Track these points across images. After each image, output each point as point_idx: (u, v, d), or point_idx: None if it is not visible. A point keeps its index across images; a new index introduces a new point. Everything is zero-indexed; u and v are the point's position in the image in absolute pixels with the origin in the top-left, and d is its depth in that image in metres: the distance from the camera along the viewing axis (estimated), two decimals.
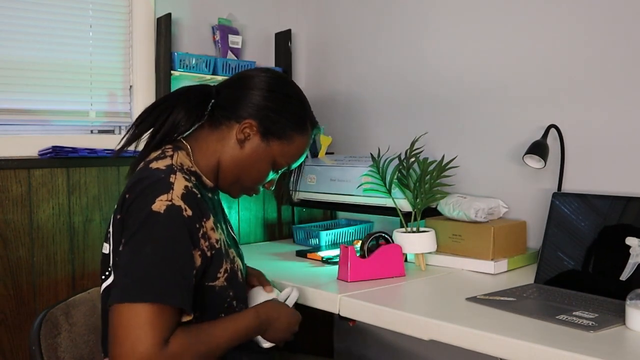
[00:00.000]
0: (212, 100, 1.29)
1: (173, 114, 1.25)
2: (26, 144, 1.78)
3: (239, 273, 1.26)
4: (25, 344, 1.71)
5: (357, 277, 1.51)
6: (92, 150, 1.82)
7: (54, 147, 1.76)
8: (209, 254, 1.16)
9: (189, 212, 1.11)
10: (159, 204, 1.09)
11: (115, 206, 1.20)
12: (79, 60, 1.93)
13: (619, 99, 1.64)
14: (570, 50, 1.73)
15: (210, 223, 1.18)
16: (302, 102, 1.33)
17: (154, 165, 1.19)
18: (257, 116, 1.25)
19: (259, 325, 1.24)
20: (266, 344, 1.30)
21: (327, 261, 1.75)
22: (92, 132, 2.00)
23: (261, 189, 1.35)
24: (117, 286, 1.08)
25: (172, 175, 1.14)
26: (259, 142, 1.27)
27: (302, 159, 1.36)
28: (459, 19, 1.99)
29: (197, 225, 1.14)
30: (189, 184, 1.15)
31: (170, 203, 1.09)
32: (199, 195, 1.17)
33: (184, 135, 1.29)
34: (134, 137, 1.25)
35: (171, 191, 1.11)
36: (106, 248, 1.23)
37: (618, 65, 1.64)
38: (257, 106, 1.26)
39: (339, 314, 1.39)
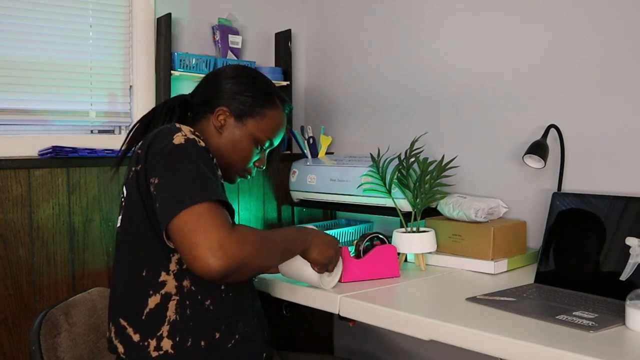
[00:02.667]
0: (190, 104, 1.44)
1: (154, 121, 1.39)
2: (26, 144, 1.78)
3: None
4: (25, 344, 1.71)
5: (351, 277, 1.51)
6: (92, 150, 1.82)
7: (54, 147, 1.76)
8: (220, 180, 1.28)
9: (202, 144, 1.23)
10: (178, 139, 1.19)
11: (128, 171, 1.28)
12: (79, 60, 1.93)
13: (619, 99, 1.64)
14: (571, 51, 1.73)
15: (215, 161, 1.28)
16: (266, 81, 1.47)
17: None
18: (227, 102, 1.40)
19: (303, 238, 1.31)
20: (327, 281, 1.39)
21: None
22: (92, 132, 2.00)
23: (255, 170, 1.47)
24: (167, 205, 1.12)
25: (176, 125, 1.25)
26: (235, 124, 1.40)
27: (281, 133, 1.47)
28: (459, 20, 1.99)
29: (211, 155, 1.25)
30: (193, 130, 1.25)
31: (186, 137, 1.20)
32: (202, 138, 1.26)
33: None
34: (124, 152, 1.39)
35: (181, 131, 1.22)
36: (119, 221, 1.30)
37: (618, 65, 1.64)
38: (225, 93, 1.40)
39: (339, 314, 1.39)
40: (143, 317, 1.22)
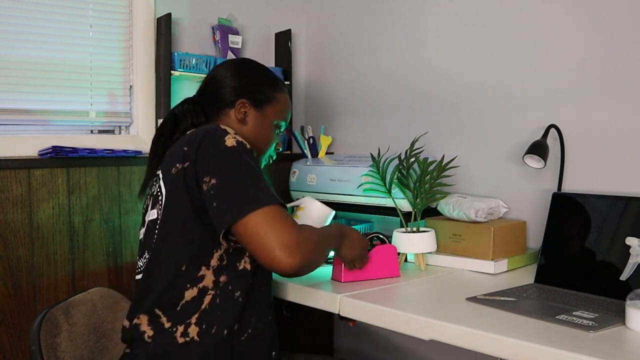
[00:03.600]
0: (199, 106, 1.48)
1: (181, 124, 1.45)
2: (26, 144, 1.78)
3: None
4: (25, 344, 1.71)
5: (351, 277, 1.51)
6: (92, 150, 1.82)
7: (54, 147, 1.76)
8: None
9: (248, 147, 1.29)
10: (230, 141, 1.25)
11: (162, 167, 1.33)
12: (79, 60, 1.93)
13: (619, 99, 1.64)
14: (571, 51, 1.73)
15: None
16: (265, 68, 1.55)
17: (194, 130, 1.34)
18: (243, 94, 1.46)
19: (340, 235, 1.40)
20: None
21: (326, 261, 1.75)
22: (92, 132, 2.00)
23: (275, 152, 1.57)
24: (233, 205, 1.18)
25: (219, 125, 1.31)
26: (256, 113, 1.47)
27: (290, 113, 1.58)
28: (459, 20, 1.99)
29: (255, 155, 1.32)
30: (233, 130, 1.32)
31: (236, 139, 1.27)
32: None
33: None
34: (155, 166, 1.42)
35: (229, 133, 1.28)
36: (154, 214, 1.33)
37: (618, 66, 1.64)
38: (238, 87, 1.46)
39: (339, 314, 1.39)
40: (178, 308, 1.25)
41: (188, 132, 1.35)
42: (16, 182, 1.71)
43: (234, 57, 2.19)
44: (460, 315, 1.24)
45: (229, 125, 1.42)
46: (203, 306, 1.26)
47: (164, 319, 1.26)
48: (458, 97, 2.00)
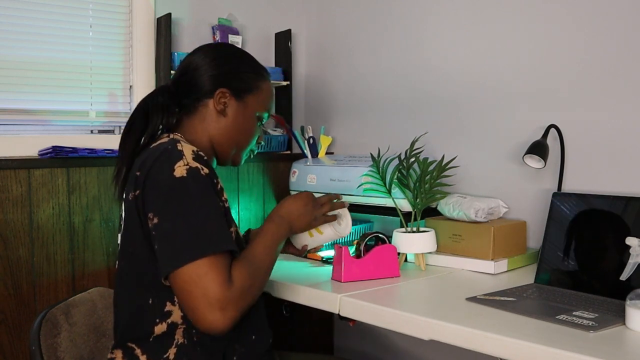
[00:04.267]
0: (175, 96, 1.36)
1: (151, 122, 1.32)
2: (26, 144, 1.78)
3: (241, 238, 1.34)
4: (25, 344, 1.71)
5: (351, 277, 1.51)
6: (92, 150, 1.82)
7: (54, 147, 1.76)
8: (223, 209, 1.23)
9: (206, 170, 1.18)
10: (179, 170, 1.15)
11: (124, 190, 1.25)
12: (79, 60, 1.93)
13: (619, 99, 1.64)
14: (571, 50, 1.73)
15: (220, 182, 1.24)
16: (246, 53, 1.43)
17: (154, 144, 1.25)
18: (223, 83, 1.34)
19: (279, 224, 1.32)
20: (341, 229, 1.46)
21: (327, 261, 1.75)
22: (92, 132, 2.00)
23: (256, 146, 1.46)
24: (168, 254, 1.11)
25: (177, 144, 1.20)
26: (237, 103, 1.36)
27: (274, 102, 1.48)
28: (459, 20, 1.99)
29: (215, 181, 1.21)
30: (195, 148, 1.22)
31: (188, 166, 1.15)
32: (205, 157, 1.22)
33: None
34: (124, 160, 1.31)
35: (183, 157, 1.17)
36: (119, 238, 1.28)
37: (618, 65, 1.64)
38: (217, 76, 1.34)
39: (339, 314, 1.39)
40: (150, 340, 1.21)
41: (151, 147, 1.25)
42: (16, 182, 1.71)
43: None
44: (460, 315, 1.24)
45: (206, 117, 1.34)
46: (180, 341, 1.20)
47: (138, 351, 1.21)
48: (458, 97, 2.00)
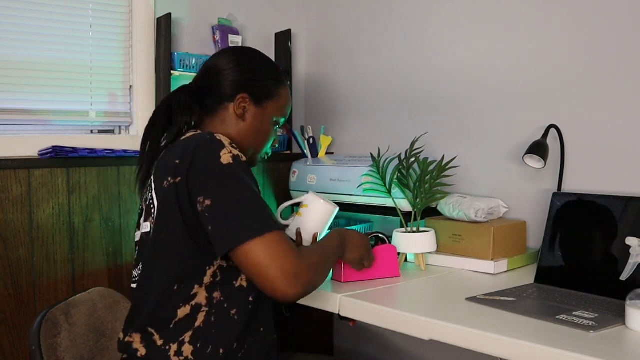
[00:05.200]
0: (195, 96, 1.41)
1: (175, 120, 1.37)
2: (26, 144, 1.78)
3: None
4: (25, 344, 1.71)
5: (351, 277, 1.51)
6: (92, 150, 1.82)
7: (54, 147, 1.76)
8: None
9: (244, 158, 1.25)
10: (225, 157, 1.19)
11: (154, 175, 1.27)
12: (79, 60, 1.93)
13: (619, 99, 1.64)
14: (571, 50, 1.73)
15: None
16: (270, 60, 1.48)
17: (187, 136, 1.28)
18: (244, 89, 1.39)
19: (341, 242, 1.40)
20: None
21: None
22: (92, 132, 2.00)
23: (271, 149, 1.52)
24: (231, 230, 1.14)
25: (214, 135, 1.25)
26: (256, 109, 1.41)
27: (291, 107, 1.51)
28: (459, 20, 1.99)
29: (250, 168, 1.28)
30: (229, 140, 1.27)
31: (232, 154, 1.21)
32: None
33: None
34: (148, 158, 1.36)
35: (225, 145, 1.22)
36: (147, 227, 1.29)
37: (618, 65, 1.64)
38: (239, 81, 1.39)
39: (339, 314, 1.39)
40: (171, 326, 1.22)
41: (183, 138, 1.29)
42: (16, 182, 1.71)
43: None
44: (460, 315, 1.24)
45: (225, 119, 1.39)
46: (197, 324, 1.22)
47: (156, 337, 1.22)
48: (458, 97, 2.00)
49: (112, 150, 1.87)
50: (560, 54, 1.75)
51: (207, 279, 1.23)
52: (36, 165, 1.74)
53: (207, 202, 1.16)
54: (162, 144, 1.37)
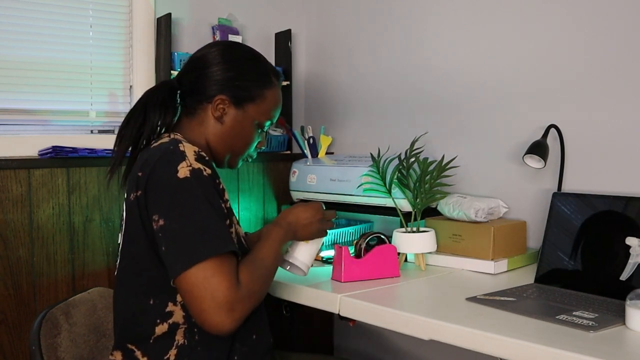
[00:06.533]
0: (178, 92, 1.35)
1: (149, 120, 1.30)
2: (26, 144, 1.78)
3: (242, 240, 1.32)
4: (25, 344, 1.71)
5: (351, 277, 1.51)
6: (92, 150, 1.82)
7: (54, 147, 1.76)
8: (225, 210, 1.23)
9: (208, 171, 1.19)
10: (183, 171, 1.15)
11: (126, 191, 1.25)
12: (79, 60, 1.93)
13: (619, 99, 1.64)
14: (570, 50, 1.73)
15: (222, 182, 1.25)
16: (258, 59, 1.39)
17: (155, 145, 1.25)
18: (224, 90, 1.32)
19: (286, 230, 1.32)
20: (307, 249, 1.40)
21: (327, 261, 1.75)
22: (92, 132, 2.00)
23: (256, 151, 1.44)
24: (175, 256, 1.11)
25: (179, 145, 1.20)
26: (236, 112, 1.34)
27: (280, 109, 1.42)
28: (459, 20, 1.99)
29: (217, 181, 1.22)
30: (196, 149, 1.22)
31: (191, 168, 1.16)
32: (207, 158, 1.23)
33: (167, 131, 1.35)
34: (119, 154, 1.32)
35: (186, 158, 1.17)
36: (119, 238, 1.27)
37: (618, 65, 1.64)
38: (221, 81, 1.32)
39: (339, 314, 1.39)
40: (151, 341, 1.20)
41: (152, 147, 1.25)
42: (16, 182, 1.71)
43: None
44: (460, 315, 1.24)
45: (203, 121, 1.32)
46: (181, 342, 1.20)
47: (138, 353, 1.21)
48: (458, 97, 2.00)
49: (113, 150, 1.86)
50: (560, 54, 1.75)
51: (180, 297, 1.19)
52: (36, 165, 1.74)
53: (161, 222, 1.13)
54: (142, 145, 1.32)
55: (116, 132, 2.03)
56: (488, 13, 1.91)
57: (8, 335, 1.70)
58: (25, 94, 1.85)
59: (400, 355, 2.20)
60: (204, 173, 1.17)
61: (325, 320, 2.41)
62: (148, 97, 1.33)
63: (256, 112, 1.35)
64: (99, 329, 1.48)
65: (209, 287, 1.09)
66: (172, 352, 1.19)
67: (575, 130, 1.72)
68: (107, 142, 1.93)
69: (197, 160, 1.18)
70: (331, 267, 1.57)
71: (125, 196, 1.25)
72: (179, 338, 1.20)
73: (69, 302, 1.43)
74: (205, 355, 1.21)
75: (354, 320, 1.40)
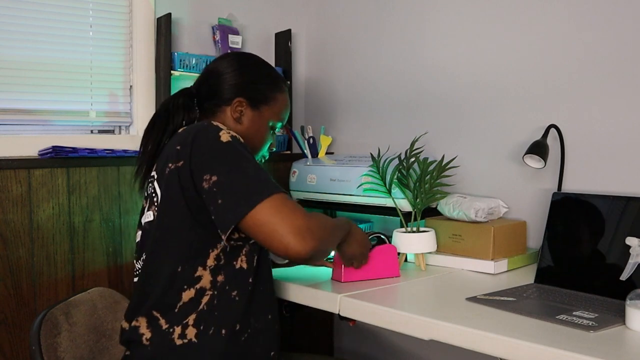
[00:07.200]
0: (195, 99, 1.47)
1: (172, 121, 1.42)
2: (26, 144, 1.78)
3: None
4: (25, 344, 1.71)
5: (351, 277, 1.51)
6: (92, 150, 1.82)
7: (54, 147, 1.76)
8: None
9: (242, 140, 1.29)
10: (224, 136, 1.25)
11: (157, 167, 1.32)
12: (79, 60, 1.93)
13: (618, 99, 1.64)
14: (570, 50, 1.73)
15: None
16: (268, 66, 1.53)
17: (184, 128, 1.34)
18: (241, 93, 1.44)
19: (346, 229, 1.40)
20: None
21: (327, 261, 1.75)
22: (92, 132, 2.00)
23: (268, 152, 1.55)
24: (237, 201, 1.17)
25: (212, 122, 1.30)
26: (252, 113, 1.45)
27: (289, 112, 1.55)
28: (458, 20, 1.99)
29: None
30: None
31: (230, 134, 1.26)
32: None
33: None
34: (147, 155, 1.41)
35: (223, 129, 1.27)
36: (150, 216, 1.32)
37: (618, 65, 1.64)
38: (237, 85, 1.44)
39: (339, 314, 1.39)
40: (176, 310, 1.26)
41: (180, 130, 1.34)
42: (16, 182, 1.71)
43: None
44: (460, 315, 1.24)
45: (224, 122, 1.42)
46: (200, 307, 1.26)
47: (162, 321, 1.26)
48: (458, 97, 2.00)
49: (112, 150, 1.87)
50: (561, 53, 1.75)
51: (210, 262, 1.27)
52: (36, 165, 1.74)
53: (214, 178, 1.19)
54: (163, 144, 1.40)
55: (116, 132, 2.06)
56: (488, 13, 1.91)
57: (8, 335, 1.70)
58: (25, 94, 1.84)
59: (400, 355, 2.20)
60: (241, 140, 1.28)
61: (325, 321, 2.41)
62: (170, 102, 1.45)
63: (270, 114, 1.48)
64: (99, 329, 1.48)
65: (285, 214, 1.16)
66: (191, 317, 1.25)
67: (575, 130, 1.72)
68: (107, 142, 1.93)
69: (231, 131, 1.28)
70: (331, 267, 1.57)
71: (157, 175, 1.31)
72: (203, 304, 1.25)
73: (69, 302, 1.43)
74: (219, 320, 1.26)
75: (354, 321, 1.40)
